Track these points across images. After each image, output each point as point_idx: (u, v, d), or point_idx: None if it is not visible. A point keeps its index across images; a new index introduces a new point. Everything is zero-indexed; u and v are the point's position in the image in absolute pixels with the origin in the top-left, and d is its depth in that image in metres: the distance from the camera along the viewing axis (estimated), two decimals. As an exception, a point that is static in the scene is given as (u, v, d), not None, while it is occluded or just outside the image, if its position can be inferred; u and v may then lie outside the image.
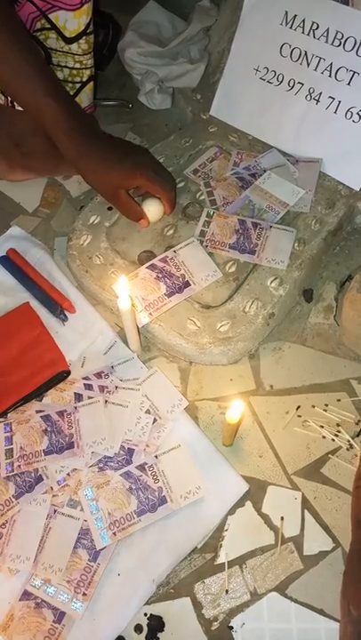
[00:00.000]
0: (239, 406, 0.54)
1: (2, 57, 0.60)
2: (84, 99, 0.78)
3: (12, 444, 0.64)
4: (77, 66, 0.73)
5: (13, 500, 0.61)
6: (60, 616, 0.56)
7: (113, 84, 0.98)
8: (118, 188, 0.69)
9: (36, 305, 0.74)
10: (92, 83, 0.78)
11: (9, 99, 0.75)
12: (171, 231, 0.77)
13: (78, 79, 0.75)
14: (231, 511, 0.62)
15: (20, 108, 0.75)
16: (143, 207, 0.73)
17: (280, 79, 0.80)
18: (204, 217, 0.76)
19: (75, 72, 0.74)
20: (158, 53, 0.91)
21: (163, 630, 0.56)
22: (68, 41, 0.70)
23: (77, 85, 0.76)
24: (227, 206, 0.78)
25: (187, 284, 0.71)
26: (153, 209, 0.73)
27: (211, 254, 0.74)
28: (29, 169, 0.84)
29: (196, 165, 0.83)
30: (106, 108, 0.95)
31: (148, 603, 0.57)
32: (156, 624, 0.56)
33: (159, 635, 0.56)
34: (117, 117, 0.95)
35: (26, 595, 0.57)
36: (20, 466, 0.62)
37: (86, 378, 0.69)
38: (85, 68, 0.74)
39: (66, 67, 0.73)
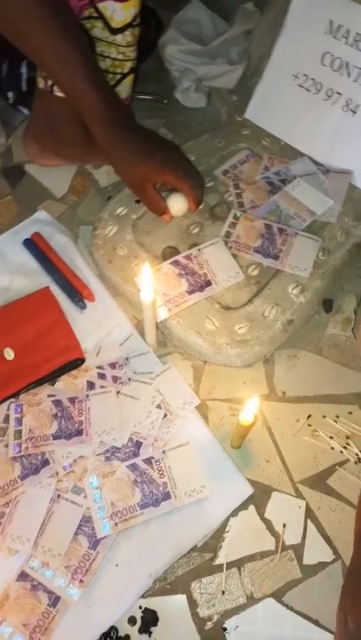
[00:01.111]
0: (254, 405, 0.55)
1: (47, 41, 0.61)
2: (123, 91, 0.80)
3: (21, 425, 0.65)
4: (120, 57, 0.75)
5: (19, 480, 0.62)
6: (55, 600, 0.56)
7: (150, 78, 1.00)
8: (146, 181, 0.70)
9: (56, 290, 0.75)
10: (132, 75, 0.79)
11: (49, 83, 0.77)
12: (196, 229, 0.78)
13: (119, 70, 0.77)
14: (234, 513, 0.62)
15: (58, 94, 0.77)
16: (168, 202, 0.74)
17: (318, 88, 0.81)
18: (230, 218, 0.77)
19: (117, 63, 0.75)
20: (198, 52, 0.93)
21: (156, 625, 0.57)
22: (114, 32, 0.71)
23: (118, 77, 0.77)
24: (254, 209, 0.79)
25: (208, 284, 0.72)
26: (177, 205, 0.74)
27: (234, 256, 0.75)
28: (61, 155, 0.86)
29: (227, 166, 0.84)
30: (141, 102, 0.96)
31: (143, 596, 0.58)
32: (150, 618, 0.57)
33: (152, 629, 0.57)
34: (151, 112, 0.96)
35: (23, 576, 0.58)
36: (27, 448, 0.63)
37: (100, 367, 0.70)
38: (128, 60, 0.76)
39: (108, 57, 0.74)
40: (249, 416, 0.55)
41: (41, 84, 0.78)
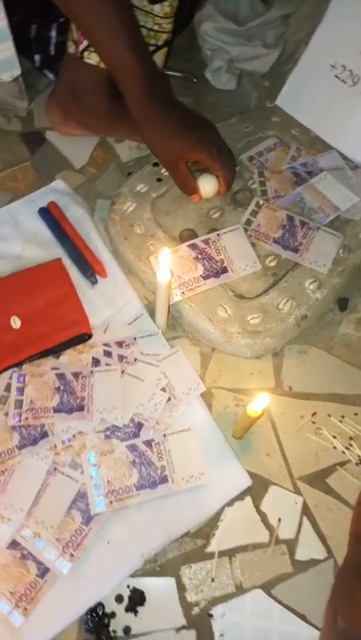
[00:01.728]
0: (264, 400, 0.55)
1: (93, 4, 0.60)
2: (156, 62, 0.79)
3: (22, 395, 0.65)
4: (156, 28, 0.74)
5: (16, 449, 0.62)
6: (43, 571, 0.57)
7: (180, 55, 0.98)
8: (179, 158, 0.70)
9: (67, 263, 0.75)
10: (166, 49, 0.78)
11: (79, 48, 0.76)
12: (217, 214, 0.77)
13: (153, 42, 0.76)
14: (230, 503, 0.63)
15: (88, 61, 0.76)
16: (198, 182, 0.73)
17: (355, 80, 0.81)
18: (252, 206, 0.77)
19: (152, 34, 0.75)
20: (234, 32, 0.92)
21: (143, 605, 0.58)
22: (153, 1, 0.70)
23: (152, 48, 0.76)
24: (277, 199, 0.79)
25: (224, 270, 0.72)
26: (208, 186, 0.73)
27: (253, 245, 0.75)
28: (84, 125, 0.85)
29: (253, 153, 0.83)
30: (169, 79, 0.95)
31: (132, 575, 0.59)
32: (138, 598, 0.58)
33: (139, 608, 0.58)
34: (179, 90, 0.95)
35: (13, 544, 0.58)
36: (27, 418, 0.63)
37: (107, 344, 0.70)
38: (163, 32, 0.75)
39: (144, 27, 0.73)
40: (258, 408, 0.56)
41: (71, 48, 0.77)
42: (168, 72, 0.95)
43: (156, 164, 0.81)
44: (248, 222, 0.76)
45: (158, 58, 0.79)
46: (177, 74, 0.96)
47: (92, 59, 0.76)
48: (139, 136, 0.82)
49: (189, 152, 0.69)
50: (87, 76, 0.78)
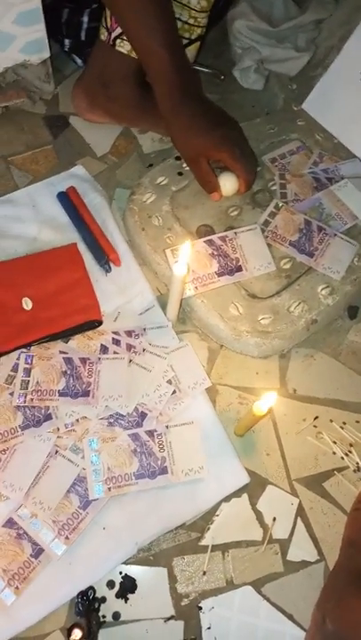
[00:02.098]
0: (271, 399, 0.56)
1: None
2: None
3: (29, 376, 0.66)
4: (191, 21, 0.74)
5: (19, 429, 0.63)
6: (38, 552, 0.58)
7: (210, 51, 0.99)
8: (201, 155, 0.71)
9: (82, 248, 0.76)
10: (198, 43, 0.79)
11: (112, 36, 0.76)
12: (235, 212, 0.78)
13: (187, 35, 0.76)
14: (227, 499, 0.64)
15: (120, 49, 0.76)
16: (219, 180, 0.74)
17: (383, 91, 0.81)
18: (271, 207, 0.77)
19: (186, 27, 0.75)
20: (266, 32, 0.92)
21: (134, 592, 0.59)
22: (190, -6, 0.71)
23: (185, 41, 0.77)
24: (296, 203, 0.79)
25: (239, 269, 0.73)
26: (229, 184, 0.74)
27: (269, 246, 0.75)
28: (109, 113, 0.85)
29: (276, 155, 0.84)
30: (199, 74, 0.95)
31: (125, 562, 0.60)
32: (129, 585, 0.59)
33: (129, 596, 0.58)
34: (206, 86, 0.95)
35: (10, 523, 0.59)
36: (32, 399, 0.64)
37: (116, 333, 0.71)
38: (197, 26, 0.75)
39: (179, 19, 0.74)
40: (264, 408, 0.56)
41: (103, 35, 0.78)
42: (197, 67, 0.95)
43: (178, 158, 0.81)
44: (266, 223, 0.76)
45: (190, 52, 0.79)
46: (205, 69, 0.97)
47: (124, 47, 0.76)
48: (163, 129, 0.82)
49: (212, 150, 0.69)
50: (117, 64, 0.79)
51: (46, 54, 0.84)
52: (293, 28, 0.93)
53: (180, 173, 0.80)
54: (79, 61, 0.92)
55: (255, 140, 0.85)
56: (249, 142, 0.82)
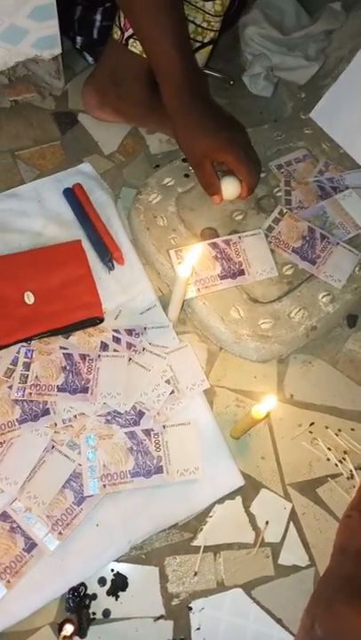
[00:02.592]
0: (271, 402, 0.56)
1: None
2: (198, 60, 0.80)
3: (28, 370, 0.66)
4: (204, 25, 0.75)
5: (16, 423, 0.63)
6: (30, 546, 0.58)
7: (220, 56, 0.99)
8: (205, 157, 0.71)
9: (86, 245, 0.76)
10: (210, 47, 0.79)
11: (124, 36, 0.77)
12: (240, 217, 0.79)
13: (200, 39, 0.77)
14: (220, 500, 0.64)
15: (132, 49, 0.77)
16: (222, 183, 0.74)
17: (391, 104, 0.82)
18: (275, 213, 0.78)
19: (199, 30, 0.76)
20: (277, 40, 0.93)
21: (125, 590, 0.59)
22: (205, -2, 0.71)
23: (197, 45, 0.78)
24: (301, 210, 0.80)
25: (241, 273, 0.74)
26: (230, 188, 0.75)
27: (272, 251, 0.76)
28: (119, 112, 0.86)
29: (282, 161, 0.85)
30: (208, 78, 0.96)
31: (117, 560, 0.60)
32: (121, 582, 0.59)
33: (120, 593, 0.59)
34: (215, 91, 0.96)
35: (3, 516, 0.59)
36: (30, 393, 0.64)
37: (117, 331, 0.71)
38: (210, 30, 0.76)
39: (193, 22, 0.75)
40: (263, 411, 0.57)
41: (116, 34, 0.78)
42: (207, 71, 0.96)
43: (185, 160, 0.82)
44: (270, 229, 0.77)
45: (201, 55, 0.80)
46: (215, 74, 0.97)
47: (137, 47, 0.77)
48: (171, 130, 0.83)
49: (217, 152, 0.70)
50: (129, 63, 0.79)
51: (58, 50, 0.84)
52: (304, 37, 0.94)
53: (186, 175, 0.80)
54: (90, 59, 0.92)
55: (262, 145, 0.86)
56: (256, 148, 0.82)
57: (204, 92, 0.71)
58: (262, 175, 0.82)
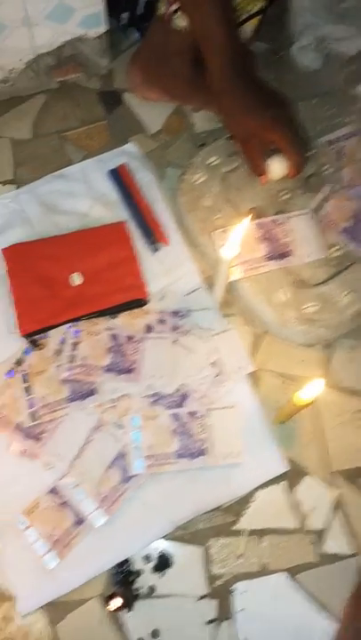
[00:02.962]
0: (319, 386, 0.55)
1: None
2: (245, 32, 0.77)
3: (76, 350, 0.67)
4: (253, -6, 0.72)
5: (66, 402, 0.65)
6: (79, 520, 0.60)
7: (268, 27, 0.95)
8: (252, 136, 0.69)
9: (131, 227, 0.76)
10: (258, 18, 0.76)
11: (171, 10, 0.75)
12: (286, 196, 0.76)
13: (249, 8, 0.74)
14: (264, 485, 0.64)
15: (178, 24, 0.75)
16: (268, 163, 0.72)
17: None
18: (324, 192, 0.75)
19: (247, 0, 0.73)
20: (329, 9, 0.88)
21: (169, 568, 0.60)
22: (255, -34, 0.68)
23: (244, 15, 0.75)
24: (350, 189, 0.77)
25: (288, 254, 0.72)
26: (278, 168, 0.72)
27: (320, 232, 0.73)
28: (163, 90, 0.84)
29: (332, 137, 0.81)
30: (254, 53, 0.92)
31: (161, 539, 0.61)
32: (165, 561, 0.60)
33: (164, 571, 0.60)
34: (261, 64, 0.92)
35: (54, 490, 0.61)
36: (78, 373, 0.65)
37: (161, 313, 0.71)
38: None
39: (242, -9, 0.72)
40: (309, 396, 0.56)
41: (162, 9, 0.76)
42: (254, 43, 0.92)
43: (230, 138, 0.80)
44: (318, 208, 0.75)
45: (250, 26, 0.77)
46: (262, 47, 0.94)
47: (182, 22, 0.75)
48: (216, 107, 0.81)
49: (263, 131, 0.68)
50: (174, 39, 0.77)
51: (104, 28, 0.83)
52: (357, 6, 0.89)
53: (232, 154, 0.78)
54: (136, 36, 0.91)
55: (310, 121, 0.82)
56: (303, 124, 0.80)
57: (251, 68, 0.69)
58: (310, 153, 0.80)
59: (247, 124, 0.68)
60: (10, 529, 0.59)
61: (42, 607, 0.57)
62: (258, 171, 0.72)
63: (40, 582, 0.57)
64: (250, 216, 0.61)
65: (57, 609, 0.58)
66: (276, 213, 0.75)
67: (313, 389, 0.55)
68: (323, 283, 0.71)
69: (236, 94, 0.67)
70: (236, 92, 0.66)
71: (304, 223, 0.74)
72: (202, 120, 0.87)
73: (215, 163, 0.78)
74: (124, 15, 0.89)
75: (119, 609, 0.53)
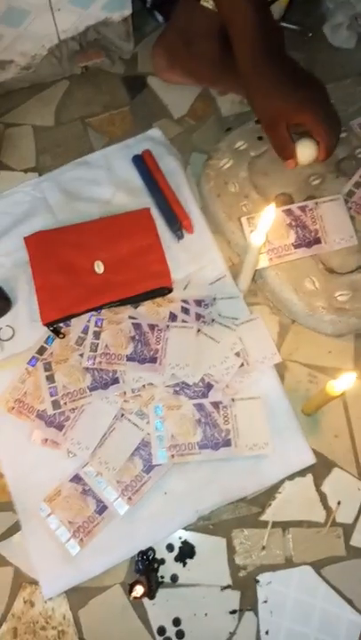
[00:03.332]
0: (351, 380, 0.53)
1: None
2: (275, 12, 0.74)
3: (98, 339, 0.67)
4: (283, -29, 0.69)
5: (87, 390, 0.65)
6: (102, 508, 0.60)
7: (299, 6, 0.92)
8: (281, 119, 0.67)
9: (155, 214, 0.75)
10: (288, -4, 0.74)
11: (197, -10, 0.73)
12: (317, 181, 0.74)
13: (278, -14, 0.71)
14: (290, 477, 0.63)
15: (205, 4, 0.73)
16: (297, 147, 0.70)
17: None
18: (357, 176, 0.73)
19: (277, -22, 0.70)
20: (363, -17, 0.84)
21: (192, 558, 0.60)
22: None
23: (274, -6, 0.72)
24: (384, 173, 0.74)
25: (317, 241, 0.69)
26: (306, 151, 0.70)
27: (352, 218, 0.71)
28: (189, 73, 0.83)
29: (365, 119, 0.78)
30: (284, 32, 0.89)
31: (185, 528, 0.61)
32: (188, 550, 0.60)
33: (188, 560, 0.60)
34: (292, 45, 0.89)
35: (76, 478, 0.61)
36: (100, 362, 0.65)
37: (185, 301, 0.70)
38: (290, -23, 0.70)
39: (271, -31, 0.69)
40: (340, 388, 0.54)
41: (188, -12, 0.74)
42: (284, 24, 0.90)
43: (258, 122, 0.78)
44: (350, 193, 0.72)
45: (279, 6, 0.75)
46: (292, 26, 0.91)
47: (209, 2, 0.73)
48: (244, 90, 0.78)
49: (293, 113, 0.65)
50: (201, 20, 0.75)
51: (128, 11, 0.81)
52: (394, -21, 0.85)
53: (259, 138, 0.76)
54: (160, 18, 0.89)
55: (343, 102, 0.79)
56: (336, 105, 0.76)
57: (280, 48, 0.66)
58: (343, 135, 0.77)
59: (276, 105, 0.65)
60: (33, 516, 0.60)
61: (64, 592, 0.58)
62: (286, 154, 0.70)
63: (63, 568, 0.58)
64: (273, 204, 0.59)
65: (79, 595, 0.58)
66: (306, 199, 0.73)
67: (344, 382, 0.54)
68: (355, 270, 0.69)
69: (264, 75, 0.64)
70: (264, 72, 0.64)
71: (335, 209, 0.71)
72: (228, 104, 0.85)
73: (242, 147, 0.76)
74: (150, -4, 0.87)
75: (141, 597, 0.53)
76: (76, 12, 0.78)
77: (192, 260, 0.73)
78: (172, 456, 0.61)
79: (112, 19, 0.82)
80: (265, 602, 0.58)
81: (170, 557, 0.60)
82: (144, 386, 0.65)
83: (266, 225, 0.58)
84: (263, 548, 0.60)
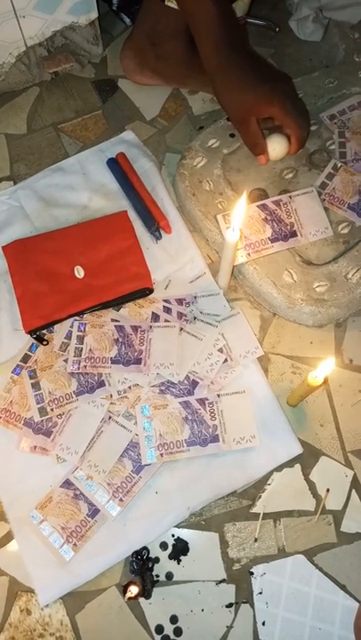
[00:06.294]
0: (329, 366, 0.54)
1: None
2: (238, 9, 0.75)
3: (82, 343, 0.67)
4: (245, -32, 0.70)
5: (74, 395, 0.65)
6: (94, 512, 0.61)
7: (264, 1, 0.93)
8: (250, 113, 0.67)
9: (133, 216, 0.75)
10: (251, -8, 0.74)
11: (160, -9, 0.73)
12: (290, 175, 0.75)
13: (240, -17, 0.72)
14: (279, 468, 0.64)
15: (170, 4, 0.73)
16: (268, 142, 0.70)
17: None
18: (329, 168, 0.74)
19: (238, -25, 0.71)
20: (326, -24, 0.85)
21: (186, 555, 0.60)
22: None
23: (237, -9, 0.73)
24: (357, 163, 0.75)
25: (293, 234, 0.70)
26: (278, 147, 0.70)
27: (326, 209, 0.72)
28: (158, 74, 0.83)
29: (335, 111, 0.79)
30: (250, 27, 0.90)
31: (177, 526, 0.61)
32: (182, 547, 0.60)
33: (182, 557, 0.60)
34: (260, 40, 0.91)
35: (67, 484, 0.62)
36: (85, 366, 0.66)
37: (167, 301, 0.71)
38: (252, -26, 0.71)
39: (233, -34, 0.70)
40: (321, 376, 0.55)
41: (152, -10, 0.75)
42: (250, 20, 0.90)
43: (230, 119, 0.78)
44: (323, 185, 0.73)
45: (243, 3, 0.75)
46: (259, 22, 0.91)
47: (174, 3, 0.73)
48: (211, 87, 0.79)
49: (261, 106, 0.66)
50: (167, 21, 0.76)
51: (94, 15, 0.82)
52: (357, -30, 0.86)
53: (232, 135, 0.77)
54: (128, 20, 0.90)
55: (312, 95, 0.80)
56: (305, 99, 0.78)
57: (244, 43, 0.67)
58: (313, 128, 0.78)
59: (244, 100, 0.66)
60: (25, 524, 0.60)
61: (61, 598, 0.58)
62: (257, 150, 0.71)
63: (58, 574, 0.58)
64: (244, 194, 0.60)
65: (76, 599, 0.59)
66: (281, 193, 0.74)
67: (324, 370, 0.55)
68: (331, 261, 0.70)
69: (230, 70, 0.65)
70: (229, 67, 0.65)
71: (309, 202, 0.72)
72: (199, 102, 0.86)
73: (215, 145, 0.77)
74: (115, 0, 0.88)
75: (136, 597, 0.54)
76: (41, 18, 0.78)
77: (171, 259, 0.74)
78: (161, 455, 0.62)
79: (78, 23, 0.82)
80: (260, 593, 0.59)
81: (164, 555, 0.60)
82: (130, 387, 0.66)
83: (239, 218, 0.59)
84: (256, 539, 0.61)
